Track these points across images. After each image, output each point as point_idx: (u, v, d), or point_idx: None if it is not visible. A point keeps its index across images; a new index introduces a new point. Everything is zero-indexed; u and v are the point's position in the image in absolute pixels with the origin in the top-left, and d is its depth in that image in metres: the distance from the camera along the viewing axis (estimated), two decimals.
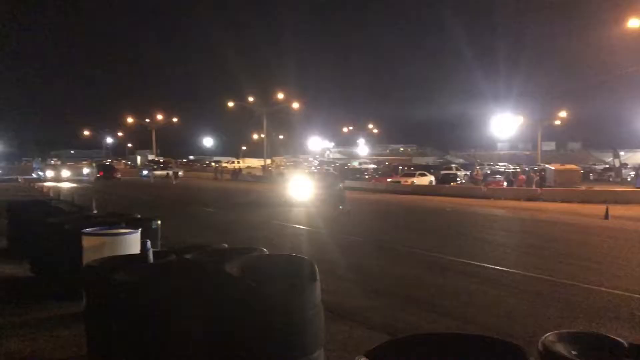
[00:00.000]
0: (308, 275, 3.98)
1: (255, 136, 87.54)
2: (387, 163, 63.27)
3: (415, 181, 38.06)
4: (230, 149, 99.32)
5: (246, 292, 3.70)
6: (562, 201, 25.58)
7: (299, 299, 3.76)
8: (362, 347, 2.36)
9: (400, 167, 49.49)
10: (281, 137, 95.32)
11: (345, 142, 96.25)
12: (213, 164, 79.85)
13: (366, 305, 6.65)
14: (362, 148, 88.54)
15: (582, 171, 41.23)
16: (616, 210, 19.07)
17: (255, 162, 78.76)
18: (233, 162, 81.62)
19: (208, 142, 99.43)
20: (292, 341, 3.68)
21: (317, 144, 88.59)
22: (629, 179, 41.96)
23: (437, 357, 2.34)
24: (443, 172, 44.72)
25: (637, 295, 7.14)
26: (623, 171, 46.00)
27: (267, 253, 4.62)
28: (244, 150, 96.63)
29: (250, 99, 66.94)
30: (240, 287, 3.77)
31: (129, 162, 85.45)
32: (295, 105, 65.67)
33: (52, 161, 76.92)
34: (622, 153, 59.68)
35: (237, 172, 57.25)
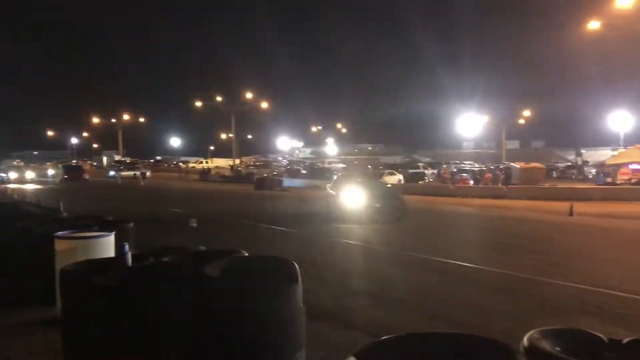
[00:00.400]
0: (289, 276, 3.99)
1: (223, 136, 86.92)
2: (355, 162, 63.60)
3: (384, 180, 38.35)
4: (198, 148, 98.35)
5: (226, 294, 3.70)
6: (528, 199, 26.12)
7: (278, 301, 3.77)
8: (344, 347, 2.38)
9: (370, 166, 49.91)
10: (250, 136, 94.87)
11: (315, 141, 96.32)
12: (181, 164, 78.92)
13: (346, 306, 6.69)
14: (331, 147, 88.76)
15: (546, 169, 42.18)
16: (580, 207, 19.59)
17: (223, 162, 78.14)
18: (201, 162, 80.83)
19: (175, 142, 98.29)
20: (272, 342, 3.68)
21: (286, 143, 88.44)
22: (590, 177, 43.15)
23: (425, 356, 2.37)
24: (411, 170, 45.29)
25: (604, 290, 7.36)
26: (585, 169, 47.27)
27: (247, 255, 4.60)
28: (212, 150, 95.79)
29: (219, 98, 66.45)
30: (220, 289, 3.76)
31: (95, 163, 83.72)
32: (264, 104, 65.40)
33: (15, 162, 74.78)
34: (583, 151, 61.25)
35: (205, 172, 56.74)
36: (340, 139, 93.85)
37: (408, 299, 7.08)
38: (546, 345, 2.34)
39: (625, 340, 2.48)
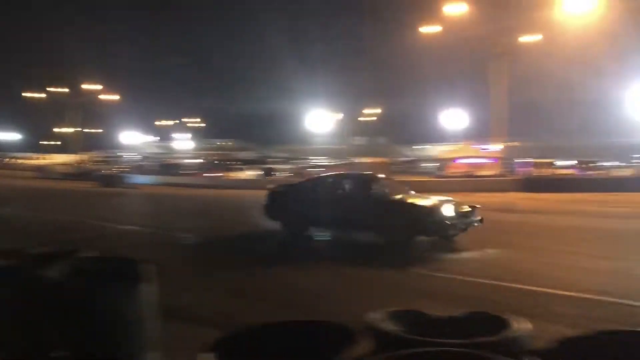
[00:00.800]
0: (135, 276, 3.86)
1: (63, 130, 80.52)
2: (210, 158, 62.82)
3: (239, 175, 38.41)
4: (36, 143, 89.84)
5: (65, 296, 3.50)
6: None
7: (122, 301, 3.64)
8: (196, 344, 2.37)
9: (228, 162, 49.95)
10: (94, 130, 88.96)
11: (169, 136, 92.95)
12: (13, 159, 71.98)
13: (195, 303, 6.58)
14: (186, 143, 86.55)
15: (389, 163, 45.33)
16: None
17: (61, 158, 72.27)
18: (37, 158, 74.31)
19: (10, 136, 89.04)
20: (115, 344, 3.56)
21: (137, 138, 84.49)
22: (425, 170, 47.49)
23: (272, 344, 2.45)
24: (266, 165, 45.93)
25: (449, 276, 7.98)
26: (420, 163, 51.74)
27: (92, 255, 4.35)
28: (50, 144, 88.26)
29: (60, 90, 61.55)
30: (60, 291, 3.55)
31: None
32: (112, 97, 61.91)
33: None
34: (425, 147, 66.26)
35: (43, 169, 52.45)
36: (197, 134, 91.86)
37: (263, 293, 7.15)
38: (387, 325, 2.51)
39: (461, 316, 2.76)
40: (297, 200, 12.33)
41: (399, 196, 11.54)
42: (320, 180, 13.84)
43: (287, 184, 13.98)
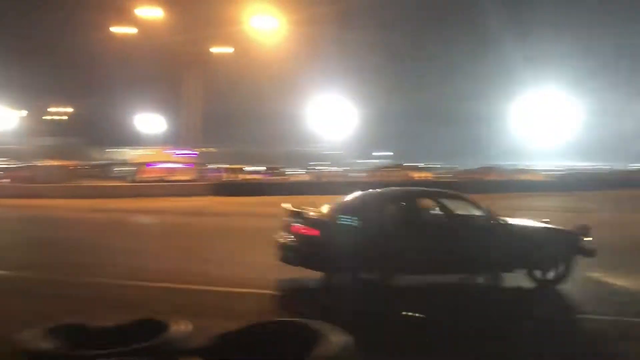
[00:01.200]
0: None
1: None
2: None
3: None
4: None
5: None
6: (60, 197, 25.63)
7: None
8: None
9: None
10: None
11: None
12: None
13: None
14: None
15: (78, 167, 42.65)
16: (108, 203, 20.51)
17: None
18: None
19: None
20: None
21: None
22: (116, 175, 46.32)
23: None
24: None
25: (121, 281, 7.90)
26: (116, 167, 49.99)
27: None
28: None
29: None
30: None
31: None
32: None
33: None
34: (118, 150, 63.67)
35: None
36: None
37: None
38: (42, 344, 2.40)
39: (127, 323, 2.78)
40: (375, 235, 7.55)
41: (528, 220, 8.74)
42: (397, 204, 8.51)
43: (341, 209, 7.99)
